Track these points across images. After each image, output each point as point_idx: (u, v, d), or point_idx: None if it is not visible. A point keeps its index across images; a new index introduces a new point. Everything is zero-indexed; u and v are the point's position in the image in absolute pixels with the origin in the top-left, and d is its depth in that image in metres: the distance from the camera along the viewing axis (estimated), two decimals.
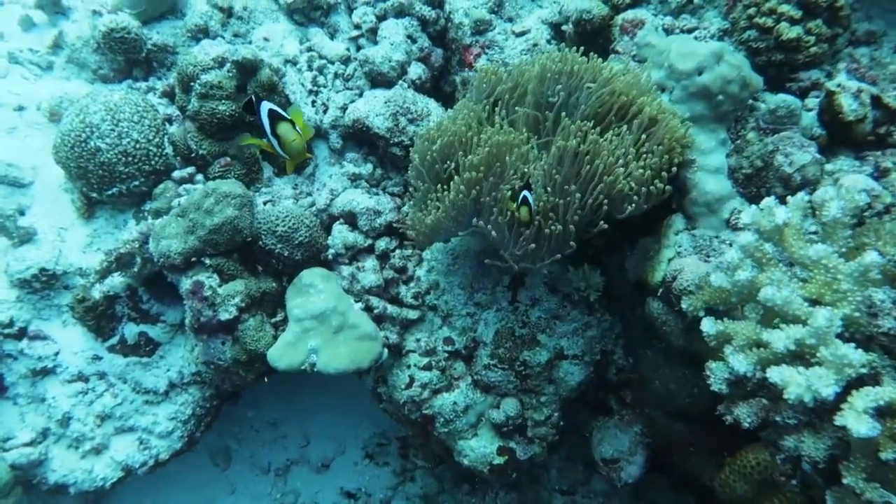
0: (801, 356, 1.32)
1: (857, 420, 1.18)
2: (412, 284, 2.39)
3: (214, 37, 2.39)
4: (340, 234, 2.33)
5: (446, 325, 2.37)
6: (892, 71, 2.02)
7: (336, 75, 2.45)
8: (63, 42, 2.45)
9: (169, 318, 2.42)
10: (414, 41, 2.45)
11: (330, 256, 2.34)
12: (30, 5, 2.47)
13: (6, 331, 2.27)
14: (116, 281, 2.28)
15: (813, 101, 1.95)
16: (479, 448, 2.34)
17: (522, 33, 2.46)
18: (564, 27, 2.35)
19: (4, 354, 2.30)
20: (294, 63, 2.43)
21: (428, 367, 2.34)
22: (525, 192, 1.72)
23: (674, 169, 1.82)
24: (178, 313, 2.41)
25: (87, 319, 2.31)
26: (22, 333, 2.31)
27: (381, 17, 2.47)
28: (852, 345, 1.26)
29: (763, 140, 1.88)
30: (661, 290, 1.91)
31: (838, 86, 1.86)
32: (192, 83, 2.19)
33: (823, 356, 1.26)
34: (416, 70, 2.43)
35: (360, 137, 2.41)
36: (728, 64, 1.89)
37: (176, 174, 2.28)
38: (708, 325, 1.52)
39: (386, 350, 2.29)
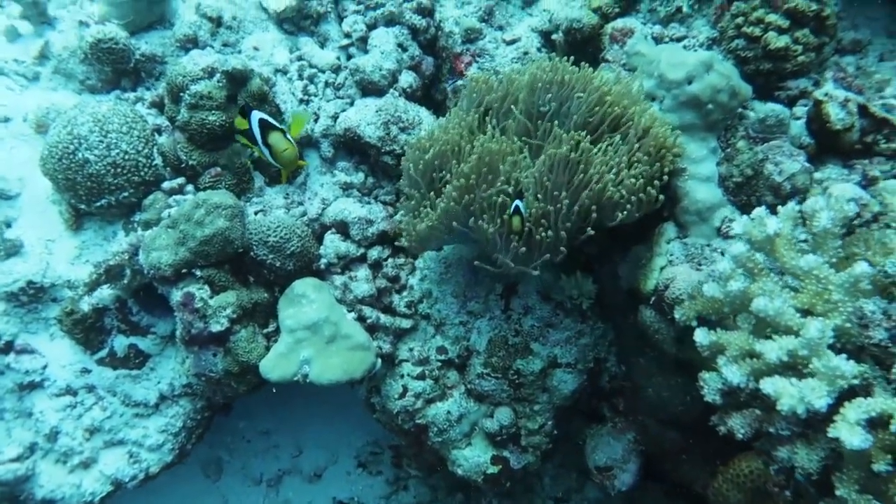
0: (793, 367, 1.33)
1: (849, 432, 1.19)
2: (405, 293, 2.38)
3: (204, 47, 2.37)
4: (332, 244, 2.32)
5: (439, 334, 2.36)
6: (878, 80, 2.04)
7: (327, 84, 2.44)
8: (49, 53, 2.43)
9: (159, 329, 2.39)
10: (405, 50, 2.45)
11: (322, 266, 2.33)
12: (15, 15, 2.43)
13: None
14: (105, 293, 2.25)
15: (801, 110, 1.97)
16: (473, 457, 2.34)
17: (513, 41, 2.47)
18: (554, 36, 2.35)
19: None
20: (284, 72, 2.42)
21: (421, 377, 2.34)
22: (517, 202, 1.72)
23: (665, 177, 1.83)
24: (168, 324, 2.38)
25: (76, 332, 2.29)
26: (9, 347, 2.27)
27: (372, 26, 2.46)
28: (844, 356, 1.27)
29: (753, 149, 1.89)
30: (653, 299, 1.92)
31: (826, 95, 1.88)
32: (181, 93, 2.18)
33: (816, 367, 1.27)
34: (406, 78, 2.43)
35: (351, 146, 2.40)
36: (717, 73, 1.90)
37: (166, 185, 2.26)
38: (701, 336, 1.53)
39: (379, 360, 2.28)
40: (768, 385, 1.31)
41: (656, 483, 2.39)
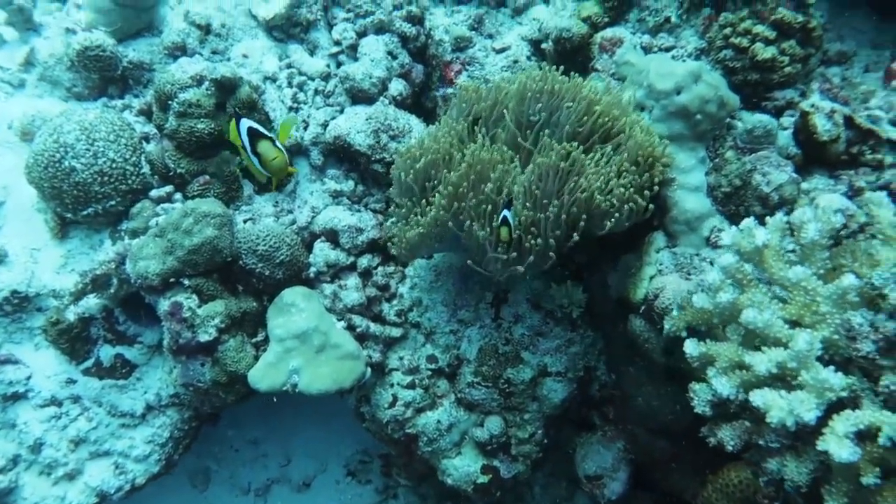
0: (782, 378, 1.34)
1: (838, 445, 1.19)
2: (395, 302, 2.37)
3: (192, 54, 2.36)
4: (322, 252, 2.31)
5: (429, 343, 2.35)
6: (863, 91, 2.06)
7: (316, 92, 2.43)
8: (35, 59, 2.40)
9: (146, 339, 2.37)
10: (394, 57, 2.45)
11: (312, 275, 2.31)
12: (0, 22, 2.41)
13: None
14: (92, 302, 2.22)
15: (788, 120, 1.99)
16: (463, 467, 2.33)
17: (503, 50, 2.47)
18: (544, 45, 2.36)
19: None
20: (274, 80, 2.41)
21: (411, 386, 2.33)
22: (505, 212, 1.72)
23: (655, 187, 1.84)
24: (155, 334, 2.35)
25: (61, 342, 2.26)
26: None
27: (361, 34, 2.46)
28: (832, 368, 1.27)
29: (741, 159, 1.90)
30: (643, 308, 1.92)
31: (812, 106, 1.90)
32: (169, 101, 2.16)
33: (804, 380, 1.27)
34: (396, 86, 2.42)
35: (341, 154, 2.39)
36: (706, 84, 1.91)
37: (153, 193, 2.24)
38: (691, 347, 1.53)
39: (369, 369, 2.27)
40: (758, 397, 1.31)
41: (646, 492, 2.39)
